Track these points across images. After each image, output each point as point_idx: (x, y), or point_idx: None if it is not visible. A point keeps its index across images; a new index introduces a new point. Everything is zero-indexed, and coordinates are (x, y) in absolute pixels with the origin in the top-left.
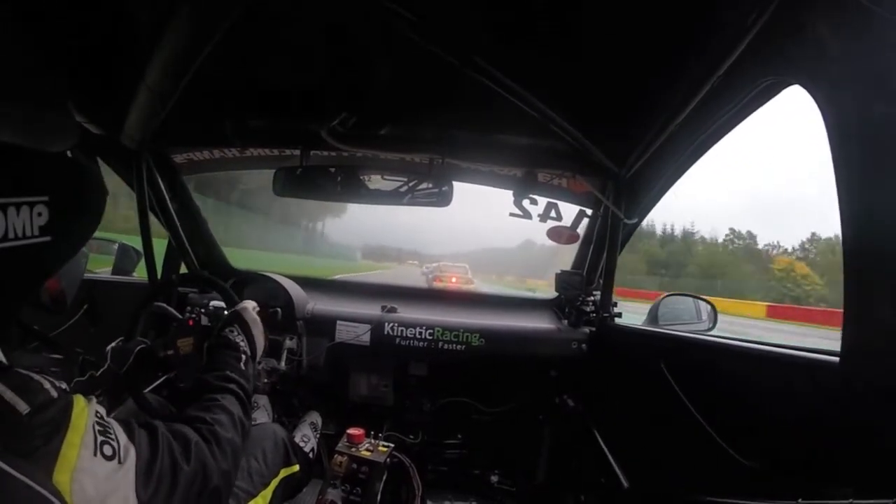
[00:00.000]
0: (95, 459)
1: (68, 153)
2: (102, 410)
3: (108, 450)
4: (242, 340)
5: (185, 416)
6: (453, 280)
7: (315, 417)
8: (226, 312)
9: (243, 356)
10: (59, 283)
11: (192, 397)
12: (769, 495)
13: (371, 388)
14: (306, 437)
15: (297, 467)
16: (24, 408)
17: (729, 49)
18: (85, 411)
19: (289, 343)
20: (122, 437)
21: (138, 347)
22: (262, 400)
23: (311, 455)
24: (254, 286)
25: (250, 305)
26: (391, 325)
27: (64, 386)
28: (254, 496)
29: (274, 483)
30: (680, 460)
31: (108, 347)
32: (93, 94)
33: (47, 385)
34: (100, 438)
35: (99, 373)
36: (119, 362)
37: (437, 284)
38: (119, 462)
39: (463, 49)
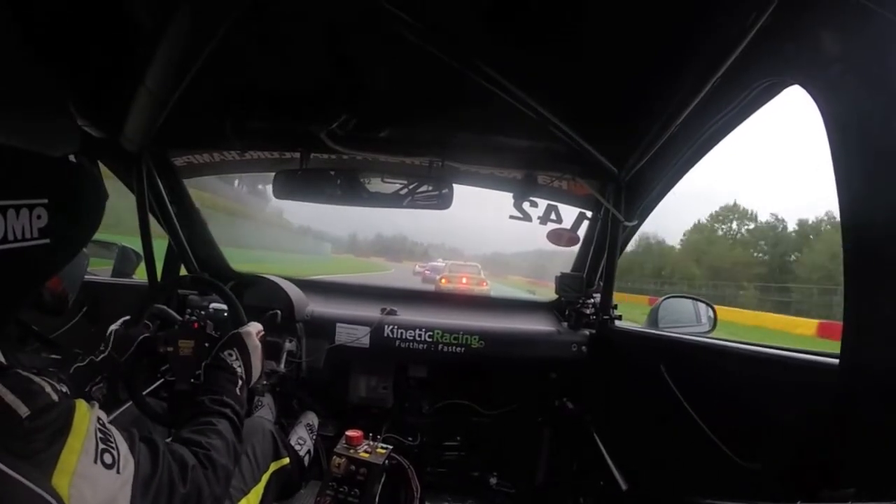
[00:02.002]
0: (95, 466)
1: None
2: (104, 417)
3: (108, 458)
4: (240, 366)
5: (182, 437)
6: (463, 281)
7: (311, 418)
8: (225, 314)
9: (239, 381)
10: (61, 284)
11: (188, 416)
12: (769, 497)
13: (370, 390)
14: (302, 440)
15: (287, 460)
16: (24, 411)
17: (728, 50)
18: (87, 417)
19: (288, 345)
20: (123, 447)
21: (141, 336)
22: (266, 399)
23: (307, 458)
24: (254, 289)
25: (254, 330)
26: (391, 327)
27: (65, 389)
28: (246, 493)
29: (265, 478)
30: (679, 462)
31: (111, 329)
32: (93, 97)
33: (48, 389)
34: (101, 446)
35: (99, 358)
36: (120, 350)
37: (445, 286)
38: (118, 472)
39: (462, 51)
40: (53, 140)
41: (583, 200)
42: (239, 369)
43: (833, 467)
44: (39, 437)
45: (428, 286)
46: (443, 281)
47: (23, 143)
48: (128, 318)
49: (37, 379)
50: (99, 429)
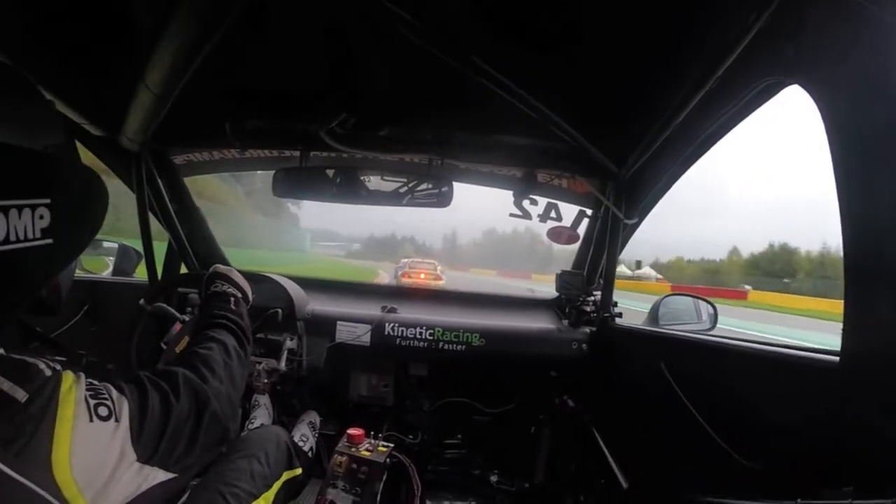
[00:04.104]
0: (92, 425)
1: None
2: (92, 379)
3: (103, 411)
4: (229, 287)
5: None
6: (421, 276)
7: (313, 417)
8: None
9: (232, 299)
10: (58, 281)
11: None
12: (769, 495)
13: (371, 389)
14: (305, 437)
15: (299, 470)
16: (22, 395)
17: (728, 49)
18: (74, 386)
19: (289, 343)
20: (114, 393)
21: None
22: (263, 399)
23: (310, 454)
24: (254, 287)
25: (219, 264)
26: (391, 325)
27: (59, 367)
28: (256, 497)
29: (276, 486)
30: (679, 460)
31: None
32: (93, 95)
33: (42, 365)
34: (93, 402)
35: None
36: None
37: (406, 280)
38: (116, 420)
39: (462, 50)
40: (32, 130)
41: (583, 198)
42: (229, 289)
43: (833, 465)
44: (33, 419)
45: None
46: (404, 277)
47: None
48: None
49: (30, 359)
50: (88, 388)
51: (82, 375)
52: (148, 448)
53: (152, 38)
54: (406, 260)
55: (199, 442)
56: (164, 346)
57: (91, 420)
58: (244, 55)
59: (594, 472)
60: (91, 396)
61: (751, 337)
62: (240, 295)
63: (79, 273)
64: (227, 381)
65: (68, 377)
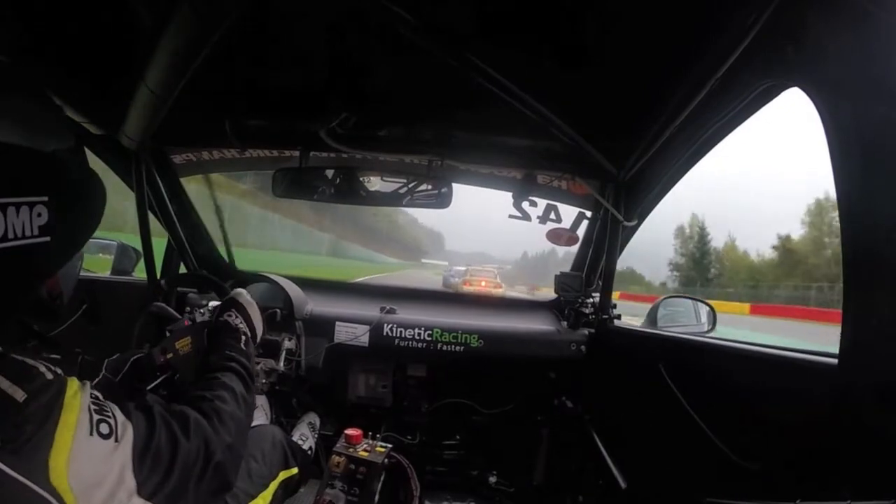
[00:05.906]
0: (92, 439)
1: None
2: (98, 392)
3: (104, 428)
4: (241, 323)
5: (187, 397)
6: (482, 284)
7: (313, 418)
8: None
9: (243, 337)
10: (58, 281)
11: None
12: (767, 496)
13: (369, 389)
14: (304, 436)
15: (295, 470)
16: (21, 396)
17: (728, 51)
18: (79, 393)
19: (287, 343)
20: (119, 416)
21: (134, 357)
22: (261, 400)
23: (309, 453)
24: (253, 287)
25: (243, 290)
26: (390, 326)
27: (59, 371)
28: (253, 497)
29: (273, 485)
30: (678, 461)
31: (106, 361)
32: (92, 94)
33: (42, 368)
34: (96, 417)
35: (94, 383)
36: (114, 372)
37: (468, 288)
38: (116, 441)
39: (462, 50)
40: (39, 133)
41: (582, 200)
42: (241, 325)
43: (832, 466)
44: (33, 420)
45: (444, 288)
46: (465, 285)
47: (11, 138)
48: (118, 354)
49: (31, 361)
50: (93, 402)
51: (87, 384)
52: (151, 481)
53: (152, 38)
54: (461, 268)
55: (202, 490)
56: (168, 333)
57: (91, 434)
58: (244, 55)
59: (593, 473)
60: (95, 410)
61: None
62: (250, 334)
63: None
64: (235, 434)
65: (73, 383)
